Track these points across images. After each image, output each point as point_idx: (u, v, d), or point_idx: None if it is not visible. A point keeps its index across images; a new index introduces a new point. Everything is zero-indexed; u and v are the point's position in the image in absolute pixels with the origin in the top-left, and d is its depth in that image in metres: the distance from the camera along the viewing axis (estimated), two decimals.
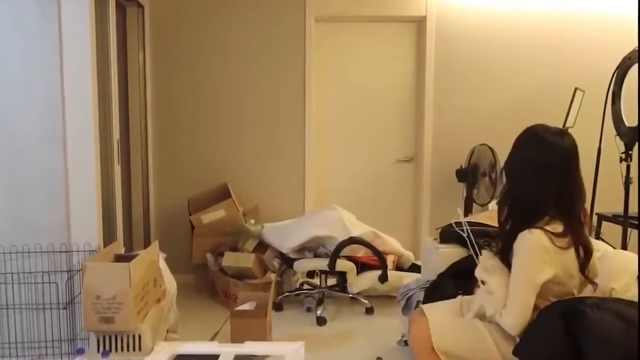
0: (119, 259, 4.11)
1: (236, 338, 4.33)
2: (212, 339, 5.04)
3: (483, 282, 3.11)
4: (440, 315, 3.35)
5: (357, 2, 6.74)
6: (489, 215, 4.68)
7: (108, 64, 4.97)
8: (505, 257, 3.13)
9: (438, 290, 4.08)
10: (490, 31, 6.78)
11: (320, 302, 5.79)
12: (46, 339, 4.29)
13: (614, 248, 3.71)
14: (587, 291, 3.17)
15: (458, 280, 3.98)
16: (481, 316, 3.19)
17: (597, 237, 5.14)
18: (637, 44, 4.91)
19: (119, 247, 4.47)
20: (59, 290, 4.22)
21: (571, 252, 2.98)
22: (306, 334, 5.29)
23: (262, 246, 6.23)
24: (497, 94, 6.87)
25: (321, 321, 5.57)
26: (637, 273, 3.26)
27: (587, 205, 3.21)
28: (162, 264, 4.51)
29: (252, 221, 6.39)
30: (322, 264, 5.72)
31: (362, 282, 5.92)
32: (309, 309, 5.94)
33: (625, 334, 2.66)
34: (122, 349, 3.73)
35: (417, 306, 4.21)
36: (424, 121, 6.91)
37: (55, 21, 4.28)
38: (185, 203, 6.61)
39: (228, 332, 4.51)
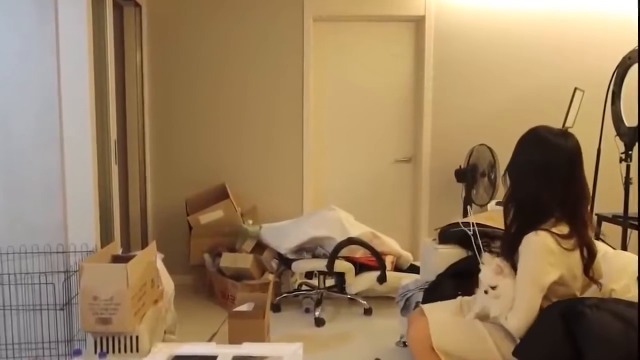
0: (116, 259, 4.09)
1: (234, 339, 4.32)
2: (210, 340, 5.04)
3: (493, 287, 3.08)
4: (440, 315, 3.34)
5: (355, 1, 6.74)
6: (488, 215, 4.67)
7: (105, 64, 4.97)
8: (510, 259, 3.12)
9: (437, 291, 4.07)
10: (489, 31, 6.78)
11: (318, 303, 5.78)
12: (43, 340, 4.28)
13: (613, 249, 3.69)
14: (592, 292, 3.16)
15: (457, 281, 3.97)
16: (483, 317, 3.17)
17: (597, 238, 5.13)
18: (637, 44, 4.90)
19: (117, 248, 4.45)
20: (56, 291, 4.21)
21: (576, 254, 2.98)
22: (304, 335, 5.29)
23: (260, 247, 6.23)
24: (497, 94, 6.86)
25: (319, 322, 5.57)
26: (637, 274, 3.25)
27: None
28: (160, 265, 4.49)
29: (250, 222, 6.38)
30: (321, 264, 5.71)
31: (361, 282, 5.91)
32: (307, 310, 5.93)
33: (624, 334, 2.66)
34: (119, 350, 3.71)
35: (416, 307, 4.20)
36: (422, 121, 6.91)
37: (52, 22, 4.27)
38: (183, 203, 6.60)
39: (226, 333, 4.50)
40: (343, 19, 6.91)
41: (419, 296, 4.29)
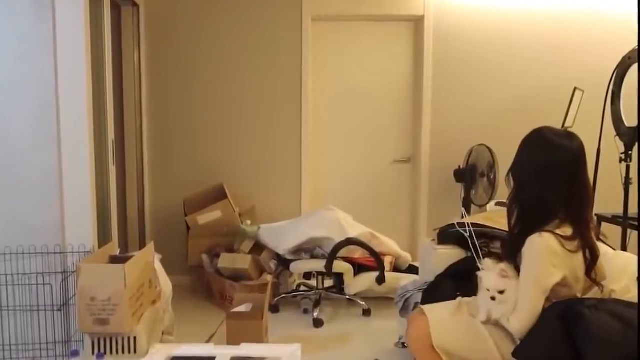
0: (114, 260, 4.10)
1: (232, 340, 4.32)
2: (208, 341, 5.02)
3: (501, 292, 3.07)
4: (440, 314, 3.33)
5: (354, 1, 6.73)
6: (487, 216, 4.67)
7: (103, 64, 4.96)
8: (513, 261, 3.11)
9: (436, 291, 4.06)
10: (488, 30, 6.77)
11: (317, 303, 5.76)
12: (40, 340, 4.29)
13: (613, 249, 3.68)
14: (593, 294, 3.16)
15: (456, 282, 3.96)
16: (489, 322, 3.15)
17: (597, 239, 5.12)
18: (637, 44, 4.88)
19: (114, 248, 4.46)
20: (53, 292, 4.22)
21: (579, 256, 2.98)
22: (303, 336, 5.27)
23: (258, 247, 6.21)
24: (496, 94, 6.85)
25: (318, 323, 5.55)
26: (636, 274, 3.25)
27: None
28: (158, 265, 4.49)
29: (249, 222, 6.37)
30: (319, 265, 5.70)
31: (360, 283, 5.90)
32: (305, 311, 5.92)
33: (623, 334, 2.67)
34: (117, 351, 3.71)
35: (415, 308, 4.20)
36: (421, 121, 6.89)
37: (49, 21, 4.26)
38: (181, 204, 6.59)
39: (224, 334, 4.49)
40: (342, 18, 6.90)
41: (418, 297, 4.28)
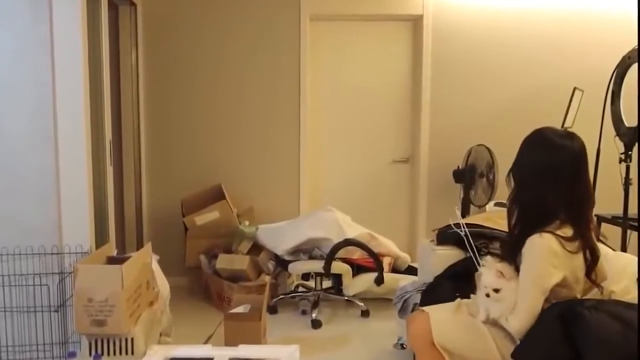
0: (111, 261, 4.11)
1: (230, 341, 4.31)
2: (206, 342, 5.00)
3: (496, 291, 3.06)
4: (441, 313, 3.32)
5: (352, 0, 6.72)
6: (486, 216, 4.66)
7: (100, 64, 4.95)
8: (513, 261, 3.10)
9: (435, 292, 4.05)
10: (487, 30, 6.76)
11: (315, 304, 5.75)
12: (37, 342, 4.29)
13: (613, 250, 3.67)
14: (593, 295, 3.16)
15: (455, 283, 3.96)
16: (489, 322, 3.15)
17: (597, 239, 5.11)
18: (637, 43, 4.87)
19: (111, 249, 4.45)
20: (50, 293, 4.23)
21: (580, 256, 2.98)
22: (301, 337, 5.27)
23: (256, 248, 6.20)
24: (495, 94, 6.84)
25: (316, 324, 5.54)
26: (636, 275, 3.25)
27: None
28: (155, 266, 4.49)
29: (247, 223, 6.36)
30: (317, 266, 5.69)
31: (358, 284, 5.87)
32: (304, 312, 5.90)
33: (623, 335, 2.68)
34: (114, 353, 3.72)
35: (413, 309, 4.20)
36: (420, 121, 6.88)
37: (46, 21, 4.25)
38: (178, 204, 6.57)
39: (222, 335, 4.47)
40: (340, 18, 6.89)
41: (417, 298, 4.27)
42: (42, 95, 4.28)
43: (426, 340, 3.17)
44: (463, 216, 6.03)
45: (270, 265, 6.09)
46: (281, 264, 6.01)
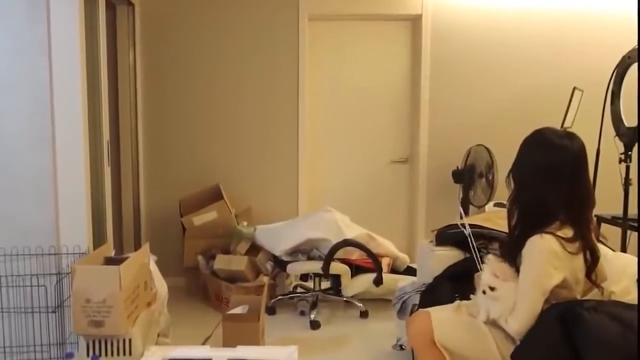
0: (108, 261, 4.11)
1: (228, 342, 4.31)
2: (204, 343, 5.00)
3: (492, 289, 3.06)
4: (442, 313, 3.33)
5: (351, 0, 6.70)
6: (485, 217, 4.66)
7: (98, 64, 4.94)
8: (513, 262, 3.09)
9: (434, 293, 4.05)
10: (486, 29, 6.74)
11: (314, 305, 5.75)
12: (35, 343, 4.29)
13: (613, 251, 3.67)
14: (593, 295, 3.16)
15: (454, 284, 3.95)
16: (491, 322, 3.14)
17: (597, 240, 5.11)
18: (637, 43, 4.86)
19: (109, 250, 4.45)
20: (47, 294, 4.22)
21: (580, 257, 2.98)
22: (299, 338, 5.26)
23: (254, 249, 6.19)
24: (494, 94, 6.83)
25: (315, 325, 5.53)
26: (636, 276, 3.24)
27: None
28: (153, 267, 4.49)
29: (245, 223, 6.34)
30: (316, 266, 5.67)
31: (357, 285, 5.86)
32: (302, 313, 5.90)
33: (622, 336, 2.68)
34: (112, 354, 3.73)
35: (412, 310, 4.19)
36: (419, 121, 6.87)
37: (44, 21, 4.25)
38: (176, 204, 6.56)
39: (220, 336, 4.48)
40: (339, 18, 6.88)
41: (416, 299, 4.27)
42: (39, 95, 4.28)
43: (427, 339, 3.17)
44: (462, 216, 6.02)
45: (269, 265, 6.07)
46: (279, 264, 5.99)
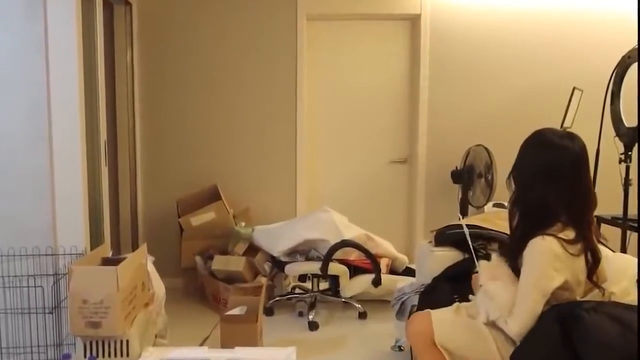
0: (106, 262, 4.11)
1: (226, 343, 4.30)
2: (202, 344, 5.00)
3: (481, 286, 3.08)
4: (443, 314, 3.32)
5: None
6: (484, 217, 4.66)
7: (95, 63, 4.94)
8: (514, 263, 3.09)
9: (433, 294, 4.04)
10: (486, 29, 6.73)
11: (312, 306, 5.73)
12: (32, 344, 4.29)
13: (613, 251, 3.65)
14: (593, 296, 3.15)
15: (453, 285, 3.95)
16: (491, 323, 3.13)
17: (597, 241, 5.11)
18: (636, 43, 4.86)
19: (106, 250, 4.45)
20: (44, 294, 4.24)
21: (581, 259, 2.98)
22: (298, 339, 5.26)
23: (252, 249, 6.18)
24: (493, 94, 6.82)
25: (313, 326, 5.52)
26: (636, 277, 3.23)
27: None
28: (151, 268, 4.50)
29: (243, 224, 6.33)
30: (314, 267, 5.66)
31: (355, 286, 5.84)
32: (300, 314, 5.89)
33: (622, 337, 2.67)
34: (109, 355, 3.73)
35: (411, 311, 4.18)
36: (418, 121, 6.86)
37: (41, 20, 4.25)
38: (174, 205, 6.55)
39: (218, 337, 4.47)
40: (337, 17, 6.87)
41: (415, 299, 4.26)
42: (36, 95, 4.28)
43: (427, 340, 3.17)
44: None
45: (267, 266, 6.07)
46: (277, 265, 5.98)
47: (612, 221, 5.32)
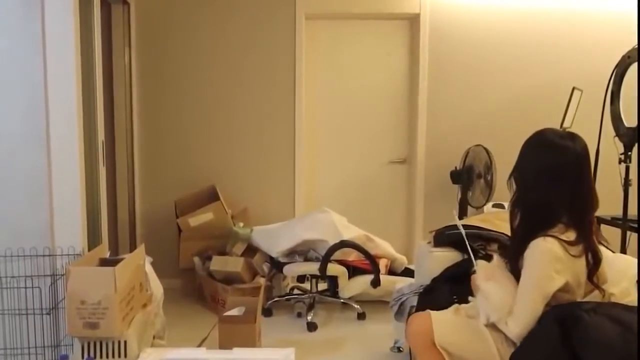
0: (104, 263, 4.12)
1: (224, 344, 4.30)
2: (200, 345, 5.00)
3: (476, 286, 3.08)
4: (442, 314, 3.31)
5: None
6: (484, 218, 4.65)
7: (93, 63, 4.92)
8: (515, 264, 3.08)
9: (432, 295, 4.04)
10: (485, 29, 6.73)
11: (310, 307, 5.73)
12: (29, 345, 4.27)
13: (612, 252, 3.64)
14: (593, 297, 3.14)
15: (453, 285, 3.94)
16: (491, 325, 3.12)
17: (598, 242, 5.11)
18: (636, 43, 4.85)
19: (104, 251, 4.45)
20: (42, 295, 4.22)
21: (582, 261, 2.97)
22: (296, 340, 5.25)
23: (251, 250, 6.18)
24: (493, 94, 6.81)
25: (312, 327, 5.51)
26: (636, 277, 3.23)
27: None
28: (149, 268, 4.49)
29: (241, 224, 6.33)
30: (313, 268, 5.66)
31: (354, 286, 5.84)
32: (299, 315, 5.89)
33: (622, 338, 2.66)
34: (107, 356, 3.74)
35: (410, 312, 4.17)
36: (417, 121, 6.85)
37: (38, 20, 4.23)
38: (172, 205, 6.55)
39: (216, 338, 4.46)
40: (336, 16, 6.87)
41: (414, 300, 4.25)
42: (33, 95, 4.26)
43: (427, 341, 3.16)
44: (460, 218, 6.01)
45: (265, 267, 6.06)
46: (276, 266, 5.97)
47: (612, 222, 5.32)
